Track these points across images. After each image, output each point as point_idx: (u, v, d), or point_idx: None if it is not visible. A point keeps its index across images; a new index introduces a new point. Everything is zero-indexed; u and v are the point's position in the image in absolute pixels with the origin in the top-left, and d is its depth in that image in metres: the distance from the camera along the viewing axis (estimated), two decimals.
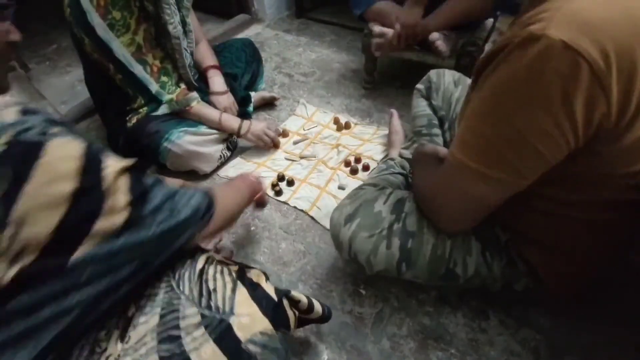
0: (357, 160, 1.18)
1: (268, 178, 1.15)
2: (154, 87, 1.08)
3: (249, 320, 0.46)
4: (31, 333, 0.35)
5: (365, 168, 1.15)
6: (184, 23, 1.14)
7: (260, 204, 0.91)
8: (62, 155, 0.34)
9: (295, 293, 0.57)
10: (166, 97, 1.11)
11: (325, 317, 0.66)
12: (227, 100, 1.24)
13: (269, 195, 1.10)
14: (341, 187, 1.11)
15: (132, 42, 1.02)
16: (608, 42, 0.37)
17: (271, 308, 0.49)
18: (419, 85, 1.04)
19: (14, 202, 0.32)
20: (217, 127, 1.16)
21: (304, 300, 0.60)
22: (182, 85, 1.16)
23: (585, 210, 0.54)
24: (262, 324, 0.47)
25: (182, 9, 1.12)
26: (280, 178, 1.13)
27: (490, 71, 0.45)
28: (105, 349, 0.44)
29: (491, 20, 1.32)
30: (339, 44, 1.85)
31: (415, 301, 0.83)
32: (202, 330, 0.44)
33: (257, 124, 1.21)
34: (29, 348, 0.35)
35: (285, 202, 1.09)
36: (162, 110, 1.12)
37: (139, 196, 0.40)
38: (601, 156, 0.45)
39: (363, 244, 0.68)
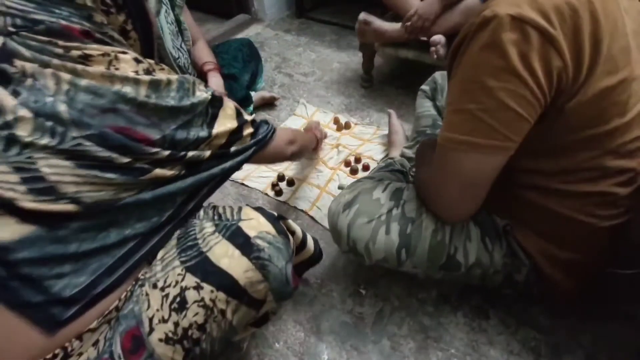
0: (357, 160, 1.18)
1: (268, 178, 1.16)
2: None
3: (255, 222, 0.55)
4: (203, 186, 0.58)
5: (365, 168, 1.15)
6: (178, 22, 1.13)
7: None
8: (229, 105, 0.59)
9: (291, 222, 0.62)
10: None
11: (316, 257, 0.68)
12: None
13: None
14: (341, 187, 1.11)
15: None
16: (547, 7, 0.45)
17: (272, 219, 0.57)
18: (424, 86, 1.04)
19: (213, 127, 0.55)
20: None
21: (299, 232, 0.63)
22: None
23: (570, 181, 0.56)
24: (267, 226, 0.55)
25: (176, 7, 1.12)
26: (280, 178, 1.13)
27: (460, 57, 0.52)
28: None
29: None
30: (339, 44, 1.85)
31: (415, 300, 0.83)
32: (216, 234, 0.53)
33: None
34: (201, 194, 0.59)
35: (285, 202, 1.09)
36: None
37: (255, 128, 0.64)
38: (567, 115, 0.50)
39: (362, 230, 0.67)
